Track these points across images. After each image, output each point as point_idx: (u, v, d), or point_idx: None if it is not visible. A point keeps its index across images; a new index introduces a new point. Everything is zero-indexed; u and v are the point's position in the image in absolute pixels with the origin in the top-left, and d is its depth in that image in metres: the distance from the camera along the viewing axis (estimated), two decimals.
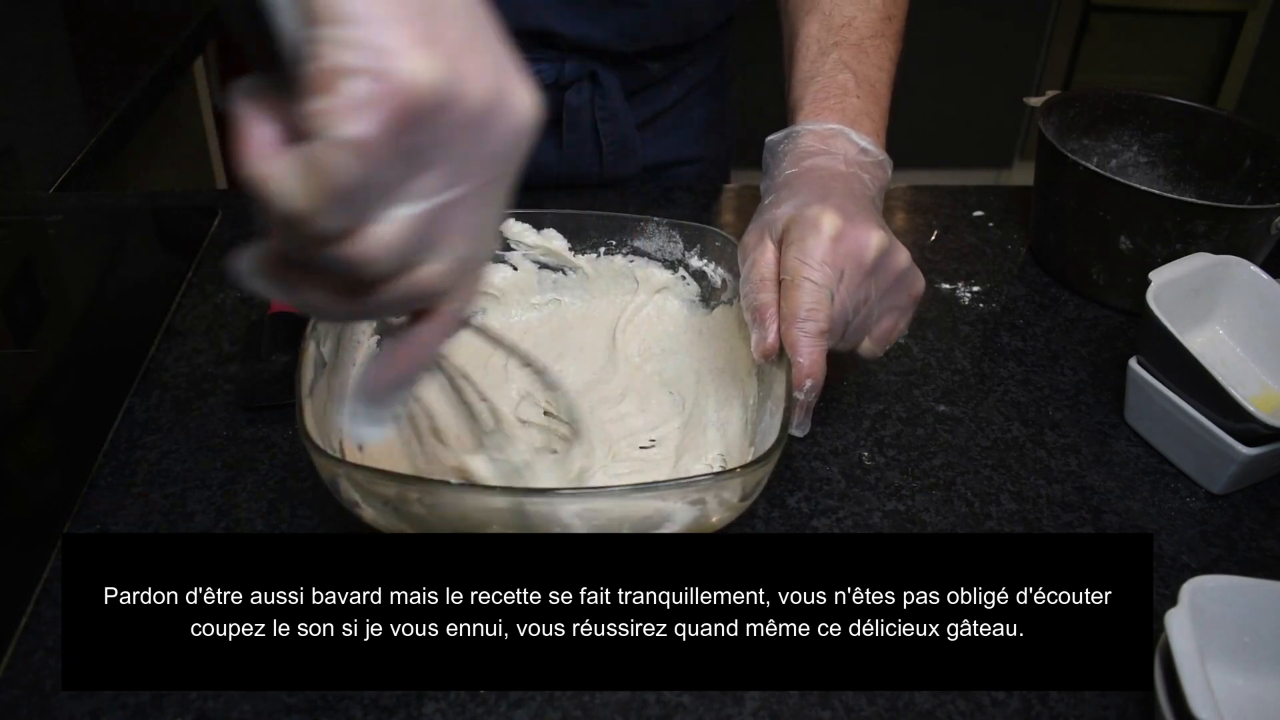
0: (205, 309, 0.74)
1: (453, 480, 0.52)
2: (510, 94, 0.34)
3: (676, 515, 0.50)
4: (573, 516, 0.48)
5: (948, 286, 0.81)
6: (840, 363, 0.71)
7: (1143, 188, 0.73)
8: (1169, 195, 0.74)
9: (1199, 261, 0.67)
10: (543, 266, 0.70)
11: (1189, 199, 0.73)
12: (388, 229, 0.33)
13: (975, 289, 0.81)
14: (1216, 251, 0.68)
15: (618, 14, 0.80)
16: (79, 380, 0.68)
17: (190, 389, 0.66)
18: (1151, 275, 0.65)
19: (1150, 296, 0.63)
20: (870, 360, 0.64)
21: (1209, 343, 0.68)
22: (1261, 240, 0.74)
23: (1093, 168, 0.75)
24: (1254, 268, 0.67)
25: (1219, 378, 0.58)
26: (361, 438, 0.44)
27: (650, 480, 0.56)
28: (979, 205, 0.92)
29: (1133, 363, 0.65)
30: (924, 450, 0.65)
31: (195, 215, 0.85)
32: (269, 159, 0.31)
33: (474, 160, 0.34)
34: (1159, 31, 2.57)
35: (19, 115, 1.14)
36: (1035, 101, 0.85)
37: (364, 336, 0.62)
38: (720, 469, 0.58)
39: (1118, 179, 0.74)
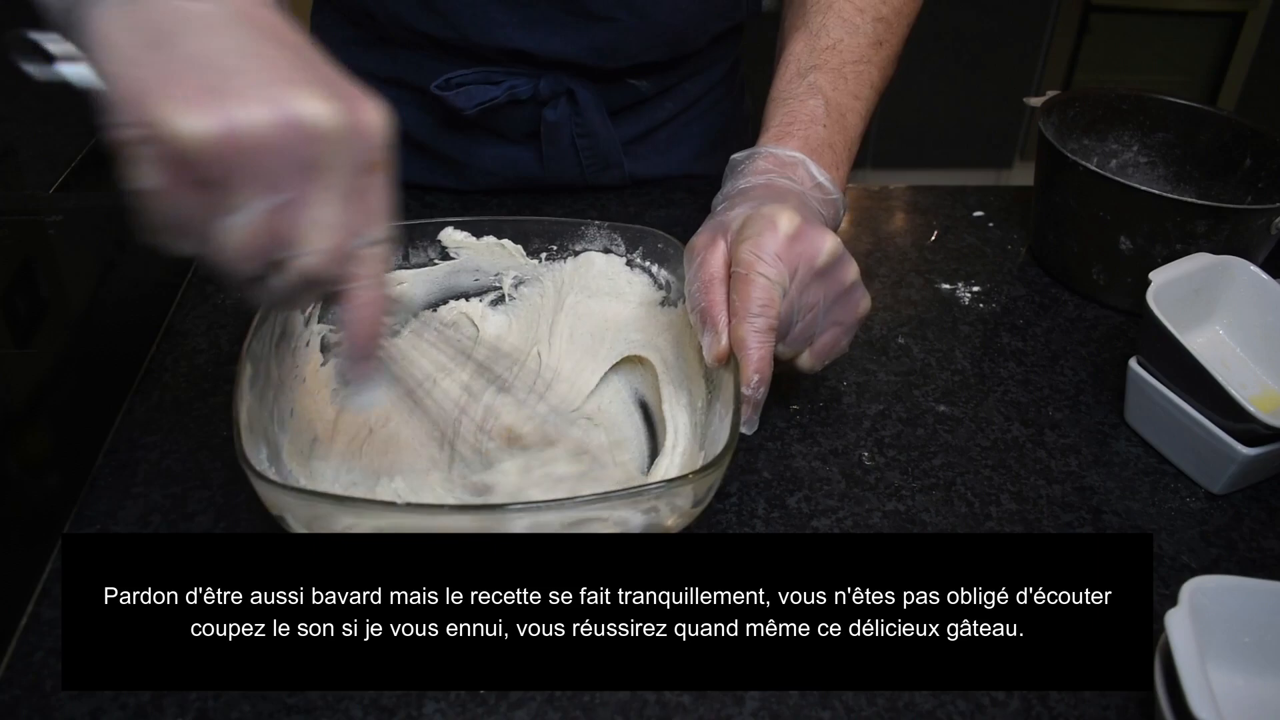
0: (205, 309, 0.74)
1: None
2: (296, 112, 0.39)
3: (630, 522, 0.49)
4: (522, 530, 0.48)
5: (948, 286, 0.81)
6: (836, 368, 0.71)
7: (1143, 188, 0.73)
8: (1169, 195, 0.74)
9: (1199, 261, 0.67)
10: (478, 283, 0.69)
11: (1189, 199, 0.73)
12: (230, 237, 0.40)
13: (975, 289, 0.81)
14: (1216, 251, 0.68)
15: (588, 30, 0.78)
16: (79, 380, 0.68)
17: (190, 389, 0.66)
18: (1151, 275, 0.65)
19: (1150, 296, 0.63)
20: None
21: (1209, 343, 0.68)
22: (1261, 240, 0.74)
23: (1093, 168, 0.75)
24: (1254, 268, 0.67)
25: (1219, 378, 0.58)
26: (358, 407, 0.58)
27: (596, 489, 0.56)
28: (979, 205, 0.92)
29: (1133, 363, 0.65)
30: (924, 450, 0.65)
31: None
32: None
33: (282, 172, 0.39)
34: (1159, 31, 2.57)
35: (19, 115, 1.14)
36: (1035, 101, 0.85)
37: (303, 355, 0.61)
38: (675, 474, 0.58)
39: (1118, 179, 0.74)
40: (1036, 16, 2.53)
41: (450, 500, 0.56)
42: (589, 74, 0.82)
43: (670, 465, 0.59)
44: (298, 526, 0.48)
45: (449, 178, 0.88)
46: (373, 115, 0.42)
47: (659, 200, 0.89)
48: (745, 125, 0.98)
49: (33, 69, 0.40)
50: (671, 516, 0.50)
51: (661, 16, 0.79)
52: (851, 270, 0.60)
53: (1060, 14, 2.53)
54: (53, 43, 0.40)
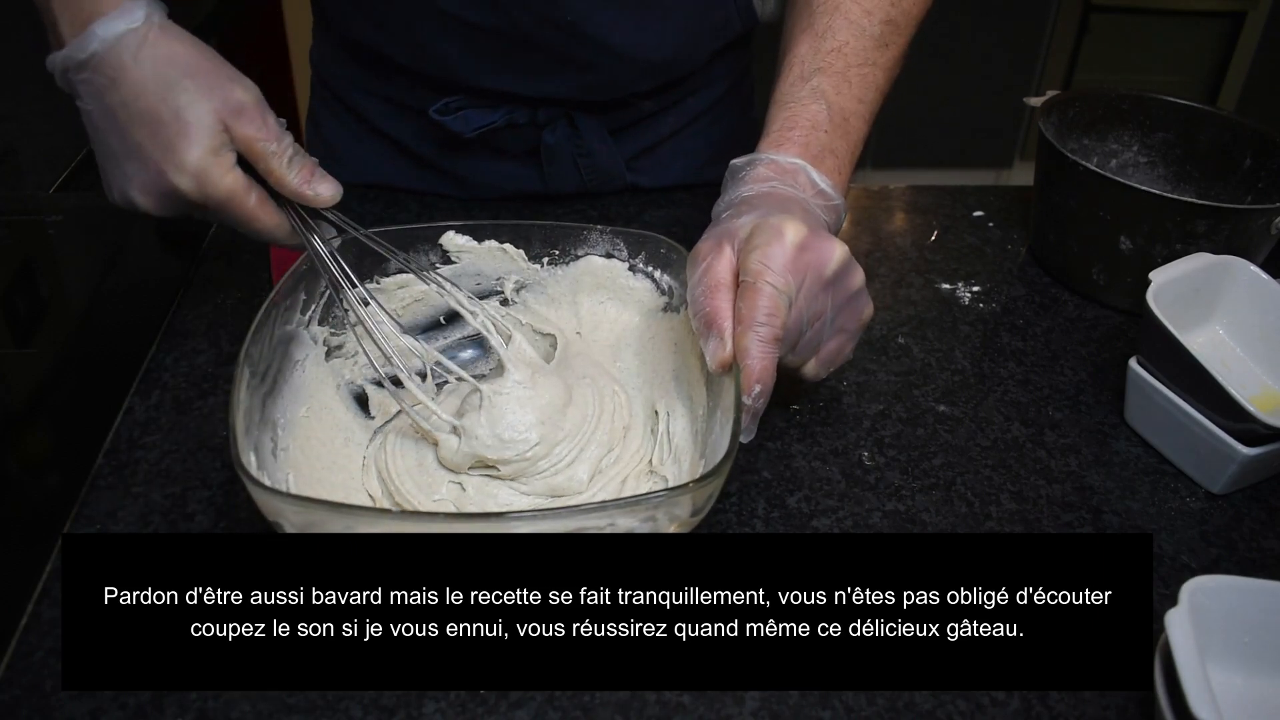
0: (205, 309, 0.74)
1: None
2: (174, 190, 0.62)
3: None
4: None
5: (948, 286, 0.81)
6: (836, 369, 0.71)
7: (1143, 188, 0.73)
8: (1169, 195, 0.74)
9: (1199, 261, 0.67)
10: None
11: (1189, 199, 0.73)
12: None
13: (975, 289, 0.81)
14: (1216, 251, 0.68)
15: (577, 75, 0.78)
16: (79, 380, 0.68)
17: (190, 389, 0.66)
18: (1151, 275, 0.65)
19: (1150, 296, 0.63)
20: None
21: (1209, 343, 0.68)
22: (1261, 240, 0.74)
23: (1093, 168, 0.75)
24: (1254, 268, 0.67)
25: (1219, 378, 0.58)
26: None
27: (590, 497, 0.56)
28: (979, 205, 0.92)
29: (1133, 363, 0.65)
30: (924, 450, 0.65)
31: None
32: None
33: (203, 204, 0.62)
34: (1159, 31, 2.56)
35: (19, 115, 1.14)
36: (1035, 101, 0.85)
37: (304, 358, 0.60)
38: (671, 484, 0.57)
39: (1118, 179, 0.74)
40: (1036, 16, 2.53)
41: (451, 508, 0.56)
42: (586, 105, 0.82)
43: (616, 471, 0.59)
44: (293, 531, 0.48)
45: (451, 189, 0.88)
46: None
47: (659, 201, 0.89)
48: (753, 133, 0.96)
49: None
50: (671, 525, 0.50)
51: (646, 54, 0.78)
52: (858, 277, 0.60)
53: (1060, 14, 2.53)
54: None
